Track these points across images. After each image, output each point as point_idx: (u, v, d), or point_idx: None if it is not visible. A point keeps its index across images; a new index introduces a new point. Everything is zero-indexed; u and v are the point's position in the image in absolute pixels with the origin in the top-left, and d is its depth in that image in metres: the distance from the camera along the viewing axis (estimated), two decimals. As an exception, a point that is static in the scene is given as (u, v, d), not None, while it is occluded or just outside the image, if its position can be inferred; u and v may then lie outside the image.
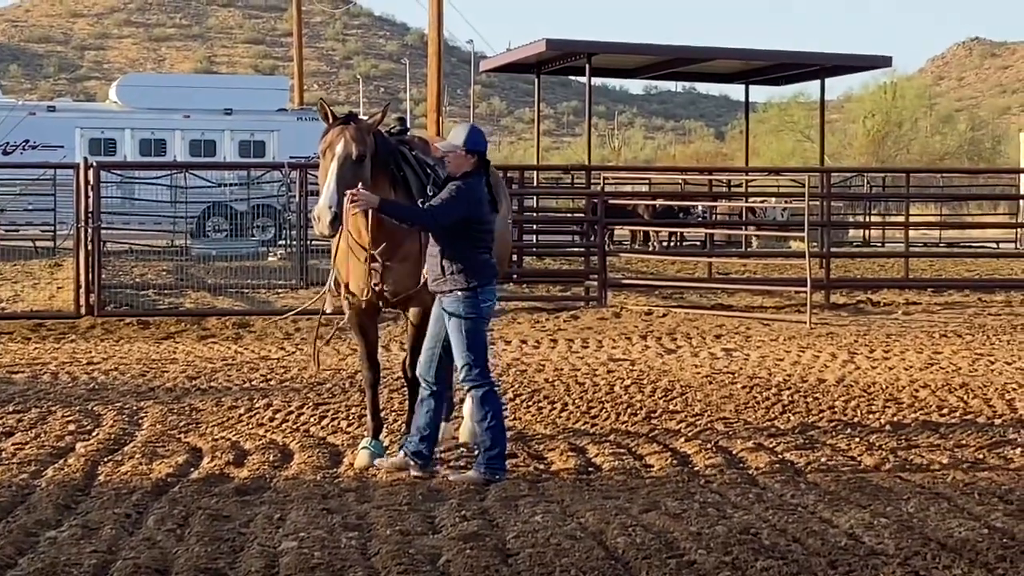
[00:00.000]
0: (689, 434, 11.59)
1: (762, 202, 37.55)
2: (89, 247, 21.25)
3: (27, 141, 36.35)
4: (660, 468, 10.13)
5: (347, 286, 10.25)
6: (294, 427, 11.92)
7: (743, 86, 44.04)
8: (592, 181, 31.72)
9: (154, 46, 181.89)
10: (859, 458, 10.54)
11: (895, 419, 12.47)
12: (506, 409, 12.89)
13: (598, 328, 20.54)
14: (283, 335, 19.44)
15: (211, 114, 38.18)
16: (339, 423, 12.09)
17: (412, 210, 9.72)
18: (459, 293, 9.65)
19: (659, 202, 35.03)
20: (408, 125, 10.27)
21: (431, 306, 10.37)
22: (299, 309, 13.50)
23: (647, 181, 46.11)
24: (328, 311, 10.65)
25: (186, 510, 8.67)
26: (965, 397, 13.83)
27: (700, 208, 34.63)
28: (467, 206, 9.56)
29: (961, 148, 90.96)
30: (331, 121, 9.82)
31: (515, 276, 25.08)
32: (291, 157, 30.62)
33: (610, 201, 28.43)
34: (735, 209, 33.25)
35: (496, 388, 10.01)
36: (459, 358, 9.76)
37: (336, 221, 9.46)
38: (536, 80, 42.07)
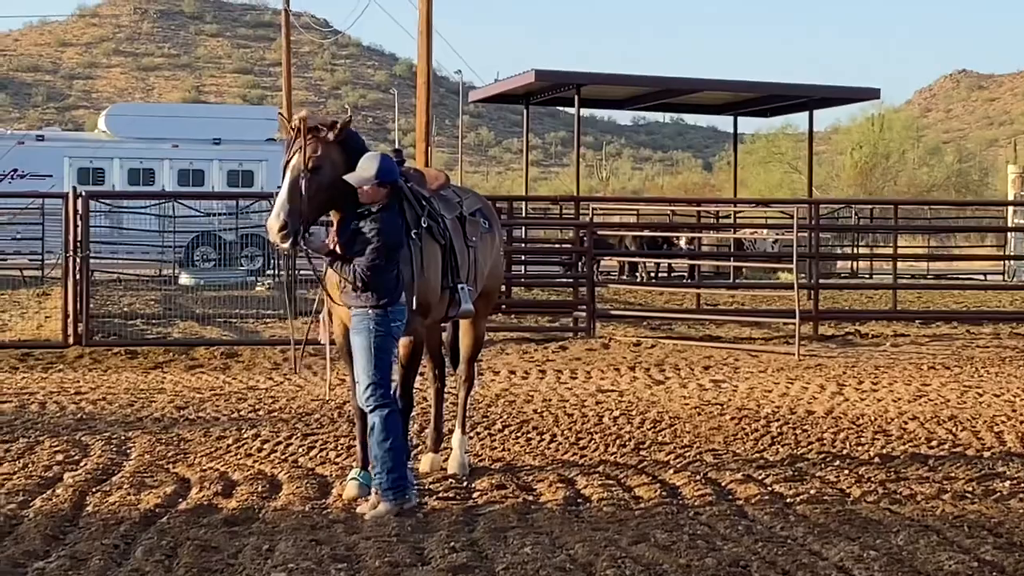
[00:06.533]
0: (678, 465, 11.57)
1: (752, 233, 37.60)
2: (77, 276, 21.20)
3: (15, 170, 36.40)
4: (649, 500, 10.10)
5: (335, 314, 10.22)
6: (282, 458, 11.89)
7: (731, 117, 44.22)
8: (580, 212, 31.77)
9: (143, 75, 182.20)
10: (848, 490, 10.52)
11: (884, 451, 12.46)
12: (495, 440, 12.91)
13: (587, 359, 20.52)
14: (271, 365, 19.40)
15: (199, 144, 38.22)
16: (327, 454, 12.06)
17: (349, 271, 9.48)
18: (369, 310, 9.59)
19: (646, 233, 35.08)
20: (404, 156, 10.20)
21: (422, 334, 10.37)
22: (304, 340, 13.33)
23: (635, 212, 46.24)
24: (323, 340, 10.64)
25: (174, 541, 8.64)
26: (954, 429, 13.83)
27: (684, 241, 34.61)
28: (389, 246, 9.47)
29: (948, 180, 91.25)
30: (291, 133, 9.70)
31: (504, 307, 25.08)
32: (279, 187, 30.57)
33: (598, 232, 28.45)
34: (724, 240, 33.35)
35: (397, 409, 9.85)
36: (364, 377, 9.59)
37: (286, 230, 9.38)
38: (525, 110, 42.24)
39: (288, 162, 9.56)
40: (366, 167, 9.51)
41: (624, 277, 36.19)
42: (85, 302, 21.22)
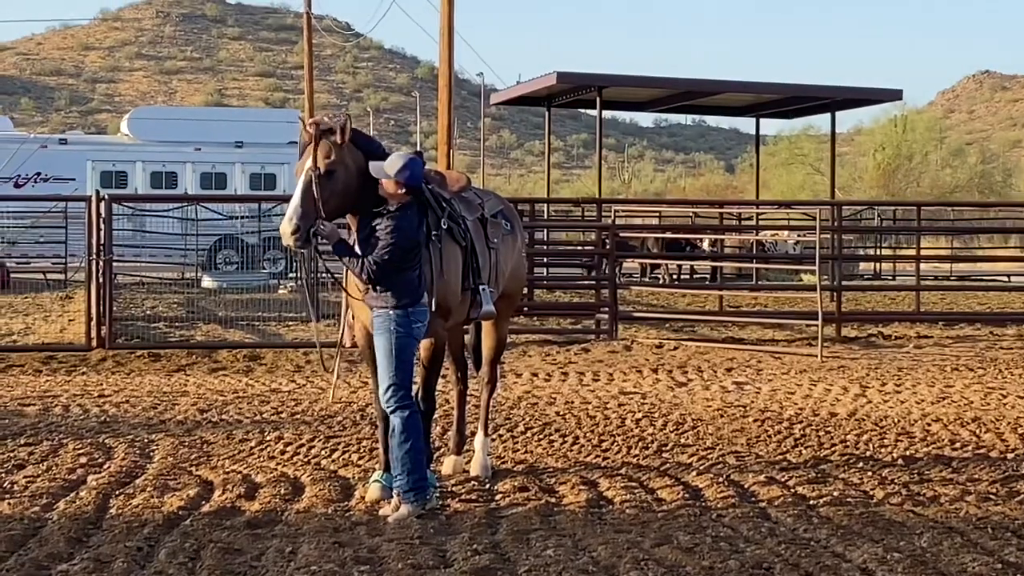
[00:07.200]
0: (701, 468, 11.55)
1: (773, 235, 37.55)
2: (100, 279, 21.24)
3: (39, 174, 36.53)
4: (672, 502, 10.09)
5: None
6: (305, 460, 11.90)
7: (753, 119, 44.19)
8: (603, 214, 31.76)
9: (165, 79, 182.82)
10: (871, 492, 10.49)
11: (907, 453, 12.43)
12: (517, 442, 12.91)
13: (609, 361, 20.51)
14: (294, 368, 19.43)
15: (222, 147, 38.28)
16: (350, 456, 12.07)
17: (357, 264, 9.52)
18: (390, 311, 9.58)
19: (668, 235, 35.05)
20: (425, 159, 10.18)
21: (444, 336, 10.37)
22: (319, 341, 13.32)
23: (657, 214, 46.20)
24: (347, 344, 10.65)
25: (198, 543, 8.65)
26: (977, 431, 13.79)
27: (706, 243, 34.60)
28: (402, 246, 9.45)
29: (972, 181, 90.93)
30: (306, 137, 9.73)
31: (526, 309, 25.06)
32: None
33: (620, 234, 28.44)
34: (746, 242, 33.33)
35: (417, 411, 9.83)
36: (384, 378, 9.59)
37: (298, 233, 9.34)
38: (546, 113, 42.23)
39: (301, 165, 9.58)
40: (393, 164, 9.50)
41: (645, 279, 36.16)
42: (108, 305, 21.27)
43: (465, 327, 11.70)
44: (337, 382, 12.51)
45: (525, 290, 23.31)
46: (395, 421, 9.58)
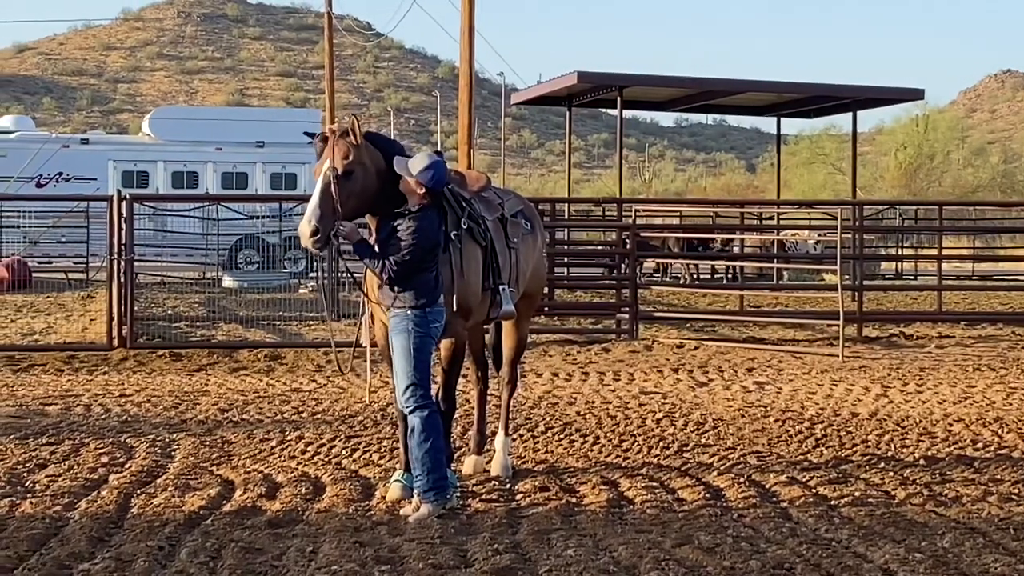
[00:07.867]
0: (722, 468, 11.53)
1: (793, 235, 37.45)
2: (122, 279, 21.30)
3: (60, 174, 36.66)
4: (693, 502, 10.07)
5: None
6: (326, 460, 11.90)
7: (774, 118, 44.09)
8: (623, 214, 31.73)
9: (186, 79, 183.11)
10: (893, 492, 10.46)
11: (929, 453, 12.39)
12: (538, 442, 12.90)
13: (630, 361, 20.48)
14: (314, 367, 19.45)
15: (243, 147, 38.35)
16: (371, 456, 12.07)
17: (378, 264, 9.51)
18: (408, 311, 9.57)
19: (687, 235, 35.00)
20: (444, 159, 10.17)
21: (464, 336, 10.36)
22: (341, 342, 13.27)
23: (678, 214, 46.14)
24: (364, 343, 10.65)
25: (219, 543, 8.66)
26: (999, 431, 13.74)
27: (720, 241, 34.52)
28: (422, 247, 9.44)
29: (994, 181, 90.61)
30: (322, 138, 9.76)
31: (546, 309, 25.05)
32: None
33: (641, 234, 28.41)
34: (767, 242, 33.25)
35: (436, 410, 9.78)
36: (403, 378, 9.57)
37: (317, 235, 9.33)
38: (567, 112, 42.25)
39: (319, 166, 9.59)
40: (417, 163, 9.51)
41: (666, 279, 36.12)
42: (129, 305, 21.31)
43: (486, 327, 11.70)
44: (371, 380, 12.49)
45: (546, 290, 23.29)
46: (414, 421, 9.57)
